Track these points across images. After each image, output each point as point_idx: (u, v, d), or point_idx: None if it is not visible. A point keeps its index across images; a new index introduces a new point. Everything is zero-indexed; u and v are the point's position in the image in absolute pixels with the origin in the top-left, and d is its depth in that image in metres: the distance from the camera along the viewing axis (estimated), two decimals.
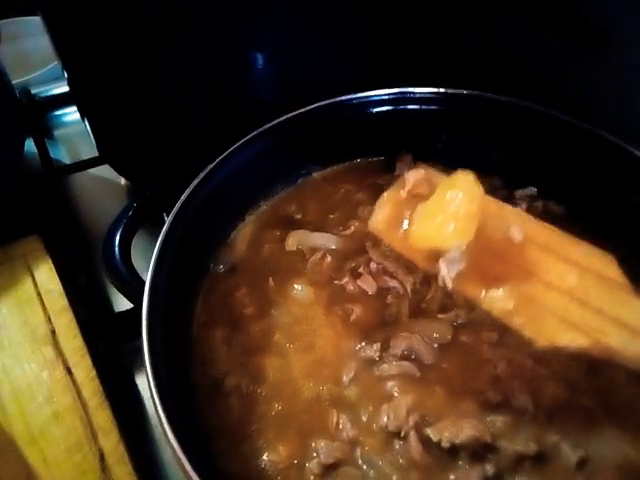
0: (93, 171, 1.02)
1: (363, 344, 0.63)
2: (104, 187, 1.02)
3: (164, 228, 0.64)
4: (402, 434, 0.56)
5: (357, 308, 0.66)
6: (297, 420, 0.59)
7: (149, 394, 0.72)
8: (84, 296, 0.83)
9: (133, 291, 0.64)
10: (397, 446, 0.56)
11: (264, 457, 0.56)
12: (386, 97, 0.76)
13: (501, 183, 0.78)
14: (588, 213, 0.73)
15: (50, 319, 0.74)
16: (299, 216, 0.76)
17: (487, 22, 0.83)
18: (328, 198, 0.78)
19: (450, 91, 0.75)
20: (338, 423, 0.58)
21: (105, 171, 1.00)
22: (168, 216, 0.65)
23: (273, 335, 0.65)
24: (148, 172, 0.88)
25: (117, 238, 0.68)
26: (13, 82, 0.99)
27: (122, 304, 0.83)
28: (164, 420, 0.50)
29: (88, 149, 1.03)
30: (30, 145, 1.03)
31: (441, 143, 0.78)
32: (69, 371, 0.69)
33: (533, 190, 0.76)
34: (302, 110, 0.74)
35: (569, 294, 0.58)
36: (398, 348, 0.62)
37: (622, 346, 0.55)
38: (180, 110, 0.81)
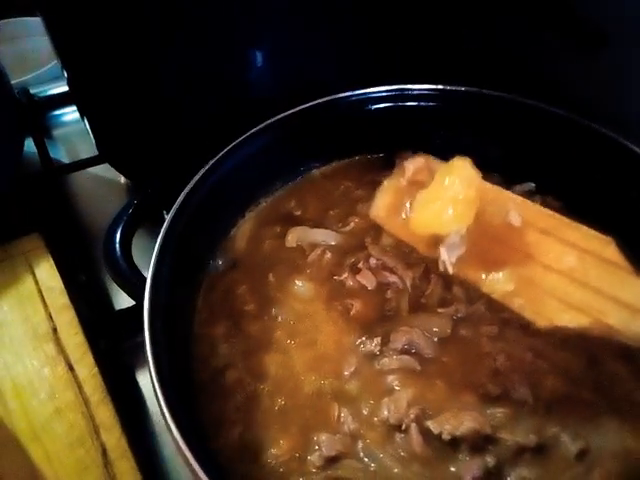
0: (92, 170, 1.02)
1: (363, 339, 0.64)
2: (104, 186, 1.02)
3: (165, 224, 0.64)
4: (403, 427, 0.57)
5: (357, 303, 0.66)
6: (299, 414, 0.59)
7: (150, 391, 0.74)
8: (84, 294, 0.83)
9: (134, 287, 0.64)
10: (398, 439, 0.57)
11: (266, 451, 0.57)
12: (385, 94, 0.76)
13: (499, 179, 0.77)
14: (586, 208, 0.73)
15: (51, 316, 0.74)
16: (299, 213, 0.77)
17: (487, 22, 0.83)
18: (328, 195, 0.78)
19: (448, 88, 0.75)
20: (339, 417, 0.58)
21: (104, 170, 1.01)
22: (168, 214, 0.65)
23: (274, 331, 0.66)
24: (148, 170, 0.88)
25: (118, 235, 0.68)
26: (12, 82, 0.99)
27: (122, 302, 0.83)
28: (167, 413, 0.50)
29: (87, 148, 1.03)
30: (29, 145, 1.04)
31: (440, 139, 0.78)
32: (71, 368, 0.69)
33: (531, 186, 0.76)
34: (301, 107, 0.74)
35: (568, 275, 0.58)
36: (398, 342, 0.62)
37: (621, 325, 0.55)
38: (180, 109, 0.82)
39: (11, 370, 0.70)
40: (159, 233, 0.63)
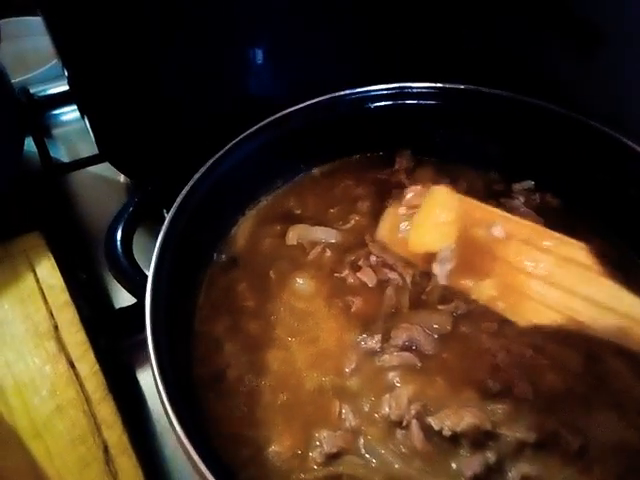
0: (92, 169, 1.02)
1: (364, 336, 0.64)
2: (104, 185, 1.02)
3: (166, 222, 0.64)
4: (404, 423, 0.57)
5: (358, 300, 0.66)
6: (300, 411, 0.60)
7: (151, 389, 0.74)
8: (85, 292, 0.83)
9: (136, 285, 0.64)
10: (399, 435, 0.57)
11: (268, 447, 0.57)
12: (385, 92, 0.76)
13: (498, 177, 0.79)
14: (584, 205, 0.74)
15: (52, 314, 0.74)
16: (299, 211, 0.77)
17: (487, 22, 0.84)
18: (328, 193, 0.78)
19: (448, 86, 0.75)
20: (340, 413, 0.59)
21: (104, 169, 1.01)
22: (168, 213, 0.65)
23: (275, 328, 0.66)
24: (148, 169, 0.88)
25: (119, 233, 0.68)
26: (12, 81, 0.99)
27: (122, 300, 0.83)
28: (169, 409, 0.50)
29: (87, 148, 1.03)
30: (29, 144, 1.03)
31: (439, 138, 0.79)
32: (72, 365, 0.70)
33: (530, 183, 0.77)
34: (301, 105, 0.75)
35: (544, 279, 0.66)
36: (399, 339, 0.63)
37: (591, 321, 0.63)
38: (180, 108, 0.81)
39: (12, 368, 0.70)
40: (159, 232, 0.63)
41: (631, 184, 0.69)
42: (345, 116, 0.77)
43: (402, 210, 0.72)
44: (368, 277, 0.68)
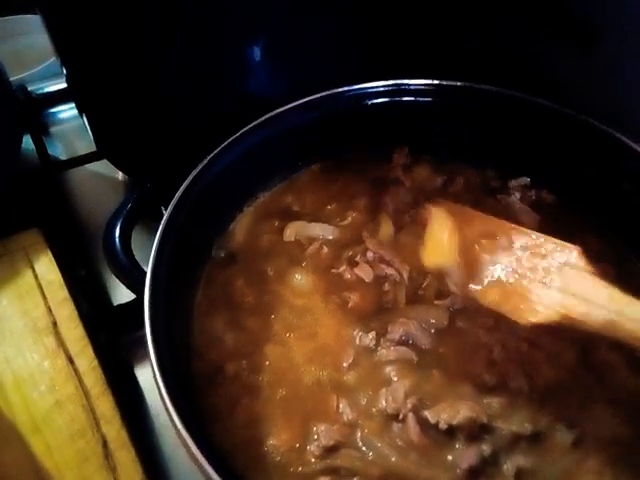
0: (90, 167, 1.02)
1: (361, 331, 0.64)
2: (101, 183, 1.03)
3: (164, 217, 0.64)
4: (400, 417, 0.57)
5: (355, 296, 0.67)
6: (298, 405, 0.60)
7: (149, 385, 0.75)
8: (83, 289, 0.83)
9: (134, 280, 0.64)
10: (396, 429, 0.58)
11: (266, 441, 0.57)
12: (382, 89, 0.77)
13: (495, 174, 0.79)
14: (580, 201, 0.74)
15: (51, 310, 0.74)
16: (297, 208, 0.77)
17: (487, 22, 0.84)
18: (325, 190, 0.79)
19: (444, 83, 0.76)
20: (338, 407, 0.59)
21: (102, 167, 1.01)
22: (166, 210, 0.66)
23: (273, 324, 0.66)
24: (147, 166, 0.89)
25: (117, 229, 0.68)
26: (10, 79, 0.99)
27: (120, 297, 0.83)
28: (169, 404, 0.51)
29: (84, 145, 1.04)
30: (27, 142, 1.04)
31: (436, 135, 0.79)
32: (71, 360, 0.70)
33: (526, 180, 0.77)
34: (298, 102, 0.75)
35: (540, 281, 0.68)
36: (396, 334, 0.63)
37: (583, 317, 0.64)
38: (179, 105, 0.82)
39: (12, 363, 0.70)
40: (157, 229, 0.64)
41: (625, 179, 0.70)
42: (342, 113, 0.78)
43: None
44: (365, 273, 0.68)
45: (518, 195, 0.76)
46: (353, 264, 0.70)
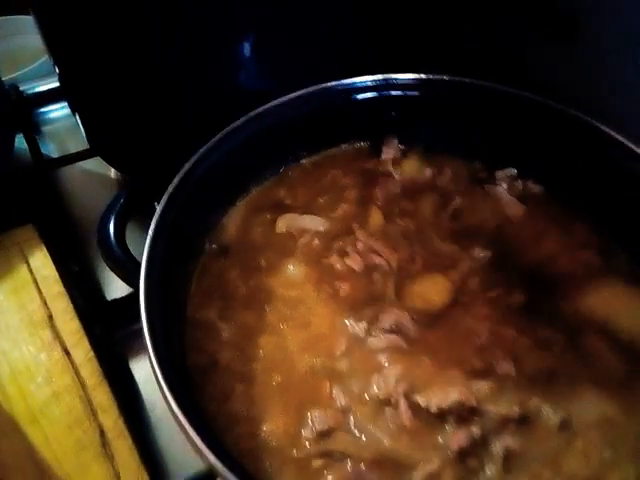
0: (83, 165, 1.03)
1: (353, 320, 0.65)
2: (94, 181, 1.03)
3: (157, 212, 0.65)
4: (392, 401, 0.59)
5: (345, 285, 0.68)
6: (292, 393, 0.61)
7: (144, 379, 0.76)
8: (77, 284, 0.84)
9: (129, 272, 0.65)
10: (388, 413, 0.58)
11: (262, 426, 0.58)
12: (370, 83, 0.78)
13: (482, 165, 0.80)
14: (565, 192, 0.76)
15: (46, 304, 0.75)
16: (289, 201, 0.78)
17: (487, 22, 0.85)
18: (316, 183, 0.80)
19: (432, 77, 0.77)
20: (331, 393, 0.60)
21: (95, 165, 1.02)
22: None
23: (266, 314, 0.67)
24: (140, 162, 0.90)
25: (111, 222, 0.69)
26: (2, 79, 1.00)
27: (114, 293, 0.84)
28: (167, 392, 0.51)
29: (76, 144, 1.04)
30: (20, 142, 1.04)
31: (424, 128, 0.80)
32: (67, 353, 0.70)
33: (513, 171, 0.78)
34: (287, 97, 0.76)
35: None
36: (386, 322, 0.64)
37: None
38: (173, 102, 0.82)
39: (8, 356, 0.71)
40: (150, 225, 0.64)
41: (610, 170, 0.71)
42: (331, 107, 0.78)
43: None
44: (355, 263, 0.70)
45: (505, 186, 0.77)
46: (344, 254, 0.71)
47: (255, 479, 0.54)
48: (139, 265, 0.61)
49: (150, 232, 0.63)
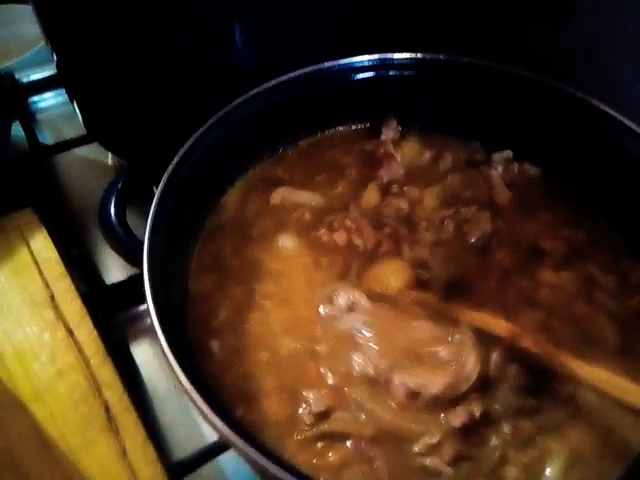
0: (80, 152, 1.03)
1: (328, 299, 0.66)
2: (91, 167, 1.04)
3: (156, 194, 0.65)
4: (382, 381, 0.59)
5: (324, 260, 0.69)
6: (282, 373, 0.61)
7: (144, 362, 0.76)
8: (76, 268, 0.84)
9: (132, 251, 0.66)
10: (382, 390, 0.59)
11: (260, 406, 0.59)
12: (367, 63, 0.78)
13: (479, 147, 0.81)
14: (561, 174, 0.76)
15: (48, 285, 0.75)
16: (286, 178, 0.79)
17: (487, 22, 0.85)
18: (315, 162, 0.80)
19: (428, 56, 0.77)
20: (319, 374, 0.61)
21: (92, 152, 1.02)
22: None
23: (255, 290, 0.68)
24: (138, 147, 0.90)
25: (112, 202, 0.70)
26: None
27: (113, 277, 0.85)
28: (173, 362, 0.51)
29: (72, 131, 1.04)
30: (16, 130, 1.04)
31: (422, 108, 0.81)
32: (70, 332, 0.71)
33: (509, 153, 0.79)
34: (285, 77, 0.76)
35: None
36: (342, 301, 0.65)
37: None
38: (171, 87, 0.83)
39: (11, 337, 0.71)
40: (149, 210, 0.64)
41: (606, 148, 0.71)
42: (328, 88, 0.79)
43: None
44: (340, 238, 0.71)
45: (500, 169, 0.77)
46: (332, 230, 0.71)
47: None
48: (141, 243, 0.61)
49: (151, 214, 0.63)
